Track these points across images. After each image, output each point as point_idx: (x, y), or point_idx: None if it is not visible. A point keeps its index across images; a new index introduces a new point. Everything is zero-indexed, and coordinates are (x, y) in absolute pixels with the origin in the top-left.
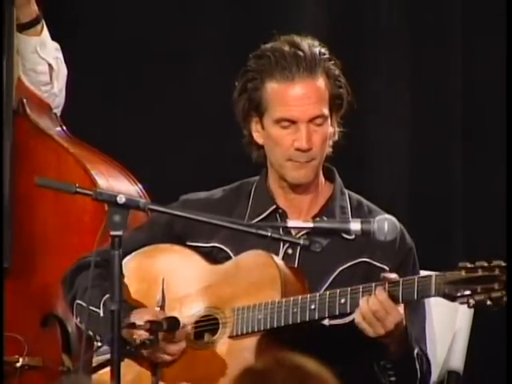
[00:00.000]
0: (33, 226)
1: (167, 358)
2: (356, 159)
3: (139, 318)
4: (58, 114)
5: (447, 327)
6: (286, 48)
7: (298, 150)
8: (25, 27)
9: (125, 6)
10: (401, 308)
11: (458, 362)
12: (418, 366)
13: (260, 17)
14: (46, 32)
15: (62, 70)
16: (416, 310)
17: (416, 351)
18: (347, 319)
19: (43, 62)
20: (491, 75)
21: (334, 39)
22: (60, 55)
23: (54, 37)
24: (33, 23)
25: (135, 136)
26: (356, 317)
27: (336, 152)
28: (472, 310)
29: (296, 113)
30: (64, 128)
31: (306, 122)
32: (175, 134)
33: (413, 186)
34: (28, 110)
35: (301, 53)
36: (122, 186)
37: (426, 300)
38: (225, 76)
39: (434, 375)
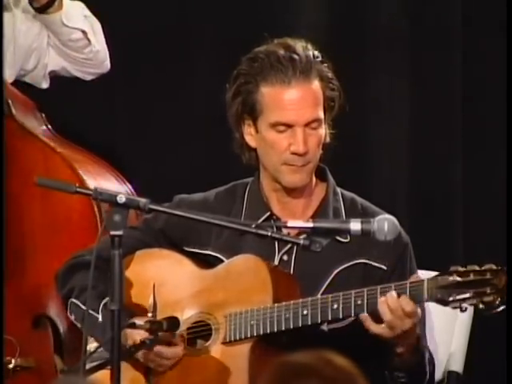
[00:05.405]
0: (21, 226)
1: (164, 362)
2: (356, 159)
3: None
4: (108, 68)
5: (448, 326)
6: (281, 51)
7: (294, 153)
8: (43, 9)
9: (125, 5)
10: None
11: (458, 362)
12: (427, 371)
13: (260, 17)
14: (65, 1)
15: (94, 26)
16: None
17: (427, 356)
18: (346, 322)
19: (74, 30)
20: (491, 75)
21: (334, 39)
22: (87, 12)
23: None
24: (49, 4)
25: (134, 136)
26: (374, 328)
27: (336, 152)
28: (472, 309)
29: (293, 117)
30: (49, 127)
31: (303, 126)
32: (174, 134)
33: (413, 185)
34: (13, 111)
35: (296, 56)
36: (110, 185)
37: None
38: (224, 76)
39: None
